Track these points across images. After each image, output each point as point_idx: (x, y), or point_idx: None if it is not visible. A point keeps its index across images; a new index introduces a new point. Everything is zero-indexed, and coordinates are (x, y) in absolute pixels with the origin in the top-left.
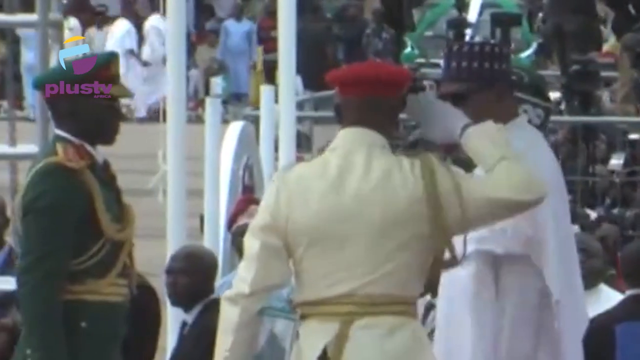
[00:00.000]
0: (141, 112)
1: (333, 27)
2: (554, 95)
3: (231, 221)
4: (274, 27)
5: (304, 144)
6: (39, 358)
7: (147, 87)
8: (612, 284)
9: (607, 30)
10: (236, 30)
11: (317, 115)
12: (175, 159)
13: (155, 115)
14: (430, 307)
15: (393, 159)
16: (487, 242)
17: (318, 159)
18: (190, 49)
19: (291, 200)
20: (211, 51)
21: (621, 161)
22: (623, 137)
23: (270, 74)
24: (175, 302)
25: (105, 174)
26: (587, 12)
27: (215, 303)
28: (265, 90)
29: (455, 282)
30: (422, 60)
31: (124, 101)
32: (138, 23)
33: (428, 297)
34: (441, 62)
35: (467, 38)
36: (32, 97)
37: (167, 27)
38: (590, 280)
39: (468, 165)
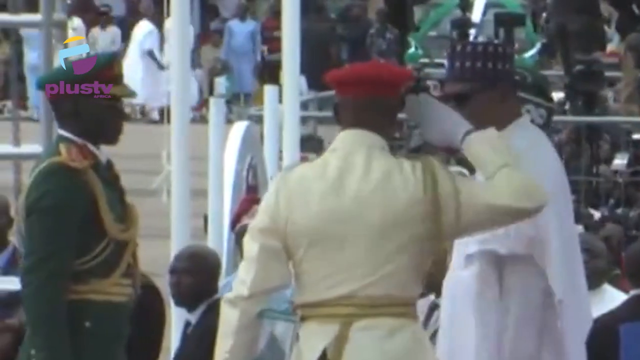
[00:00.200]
0: (154, 115)
1: (337, 27)
2: (558, 95)
3: (235, 221)
4: (278, 27)
5: (316, 147)
6: (43, 358)
7: (162, 88)
8: (616, 284)
9: (611, 30)
10: (240, 30)
11: (321, 115)
12: (179, 159)
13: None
14: (434, 307)
15: (393, 160)
16: (490, 243)
17: (318, 160)
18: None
19: (290, 201)
20: (215, 51)
21: (625, 161)
22: (627, 137)
23: (274, 74)
24: (179, 302)
25: (108, 174)
26: (591, 12)
27: (219, 303)
28: (269, 90)
29: (459, 282)
30: (425, 60)
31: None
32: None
33: (432, 297)
34: (445, 62)
35: (471, 38)
36: (35, 98)
37: (171, 28)
38: (594, 280)
39: (471, 165)
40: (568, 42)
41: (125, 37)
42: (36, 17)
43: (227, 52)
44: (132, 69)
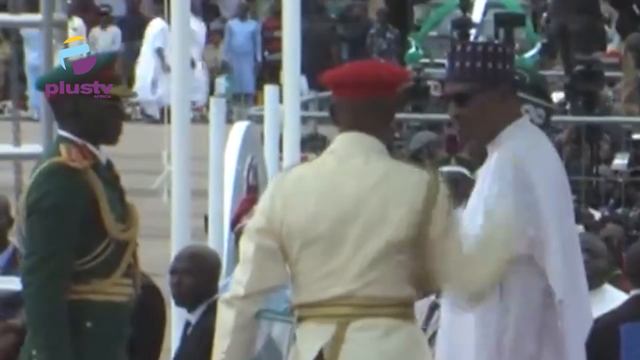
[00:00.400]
0: (155, 114)
1: (337, 27)
2: (558, 95)
3: (235, 221)
4: (279, 27)
5: (320, 145)
6: (44, 358)
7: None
8: (617, 284)
9: (611, 30)
10: (240, 30)
11: (322, 115)
12: (179, 159)
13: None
14: (434, 307)
15: (391, 162)
16: None
17: (316, 160)
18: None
19: (287, 202)
20: (215, 51)
21: (625, 161)
22: (627, 137)
23: (274, 74)
24: (179, 302)
25: (108, 174)
26: (592, 12)
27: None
28: (270, 90)
29: None
30: (426, 60)
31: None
32: (143, 24)
33: (432, 297)
34: (445, 62)
35: (471, 38)
36: (36, 98)
37: (172, 28)
38: (595, 280)
39: (471, 165)
40: (568, 42)
41: (126, 37)
42: (36, 17)
43: (227, 52)
44: (145, 68)
